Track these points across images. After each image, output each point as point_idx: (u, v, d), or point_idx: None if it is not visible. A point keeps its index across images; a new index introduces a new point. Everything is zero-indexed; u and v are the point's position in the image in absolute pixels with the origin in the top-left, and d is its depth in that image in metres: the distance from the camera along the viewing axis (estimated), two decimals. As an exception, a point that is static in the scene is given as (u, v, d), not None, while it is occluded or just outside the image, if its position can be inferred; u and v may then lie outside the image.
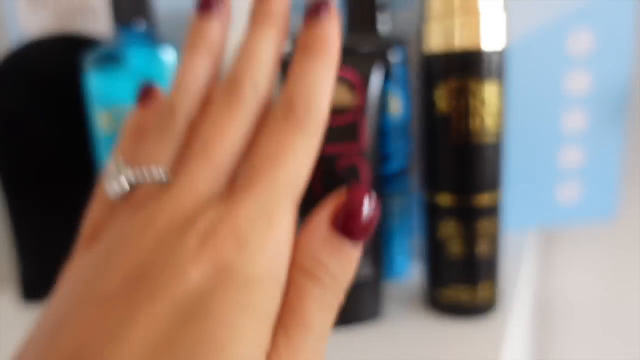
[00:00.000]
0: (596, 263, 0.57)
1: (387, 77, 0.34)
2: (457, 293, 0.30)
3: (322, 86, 0.18)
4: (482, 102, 0.27)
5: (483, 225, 0.29)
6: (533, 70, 0.44)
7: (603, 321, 0.57)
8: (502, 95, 0.28)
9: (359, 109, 0.27)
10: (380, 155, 0.35)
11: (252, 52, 0.18)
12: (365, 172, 0.28)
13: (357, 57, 0.28)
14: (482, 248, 0.29)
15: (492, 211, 0.29)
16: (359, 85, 0.27)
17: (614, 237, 0.55)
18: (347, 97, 0.27)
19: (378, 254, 0.30)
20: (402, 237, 0.37)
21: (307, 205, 0.28)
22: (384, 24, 0.34)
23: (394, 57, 0.34)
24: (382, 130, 0.34)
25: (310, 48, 0.18)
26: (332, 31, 0.18)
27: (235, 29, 0.34)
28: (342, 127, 0.27)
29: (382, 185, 0.35)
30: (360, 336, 0.29)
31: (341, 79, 0.27)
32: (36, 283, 0.37)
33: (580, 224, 0.48)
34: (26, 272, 0.37)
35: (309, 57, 0.18)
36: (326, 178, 0.28)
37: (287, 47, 0.22)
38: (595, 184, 0.47)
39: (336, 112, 0.27)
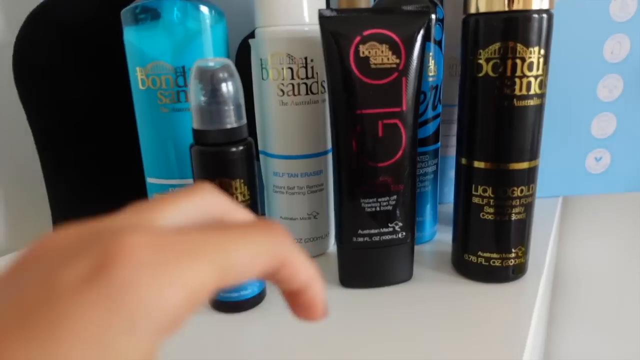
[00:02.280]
0: (614, 230, 0.57)
1: (428, 38, 0.33)
2: (490, 258, 0.30)
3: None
4: (529, 65, 0.26)
5: (519, 191, 0.29)
6: (576, 34, 0.42)
7: (618, 286, 0.58)
8: (548, 59, 0.27)
9: (401, 70, 0.27)
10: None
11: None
12: (404, 132, 0.28)
13: (402, 17, 0.27)
14: (517, 214, 0.29)
15: (529, 177, 0.29)
16: (402, 46, 0.27)
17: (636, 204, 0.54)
18: (389, 57, 0.27)
19: (412, 220, 0.30)
20: (431, 201, 0.37)
21: (346, 160, 0.28)
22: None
23: (433, 17, 0.33)
24: (423, 92, 0.34)
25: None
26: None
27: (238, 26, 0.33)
28: (384, 86, 0.27)
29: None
30: (396, 297, 0.30)
31: (385, 38, 0.27)
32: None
33: (609, 192, 0.47)
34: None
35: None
36: (366, 137, 0.28)
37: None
38: (627, 153, 0.46)
39: (379, 71, 0.27)
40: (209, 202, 0.14)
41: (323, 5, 0.33)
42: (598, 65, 0.43)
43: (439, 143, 0.37)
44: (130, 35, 0.31)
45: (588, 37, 0.42)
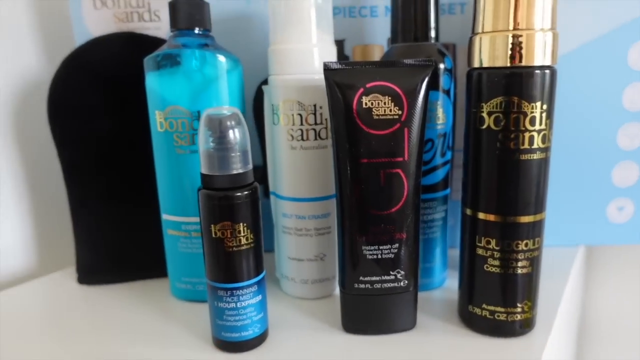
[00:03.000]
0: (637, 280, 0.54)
1: (435, 87, 0.33)
2: (494, 312, 0.30)
3: None
4: (531, 120, 0.27)
5: (524, 244, 0.28)
6: (593, 82, 0.42)
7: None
8: (551, 113, 0.27)
9: (403, 121, 0.28)
10: (423, 165, 0.34)
11: None
12: (406, 182, 0.28)
13: (404, 70, 0.28)
14: (522, 268, 0.29)
15: (534, 230, 0.28)
16: (404, 98, 0.28)
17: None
18: (392, 109, 0.28)
19: (415, 268, 0.30)
20: (440, 247, 0.37)
21: (348, 207, 0.28)
22: (434, 33, 0.34)
23: (441, 68, 0.33)
24: (428, 140, 0.34)
25: None
26: None
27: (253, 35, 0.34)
28: (386, 137, 0.28)
29: (423, 194, 0.35)
30: (397, 346, 0.30)
31: (388, 90, 0.27)
32: (91, 269, 0.40)
33: (632, 244, 0.46)
34: (82, 257, 0.40)
35: None
36: (368, 185, 0.28)
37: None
38: (651, 203, 0.44)
39: (381, 122, 0.28)
40: None
41: (334, 56, 0.34)
42: (617, 113, 0.42)
43: (449, 189, 0.37)
44: (151, 81, 0.33)
45: (605, 86, 0.42)
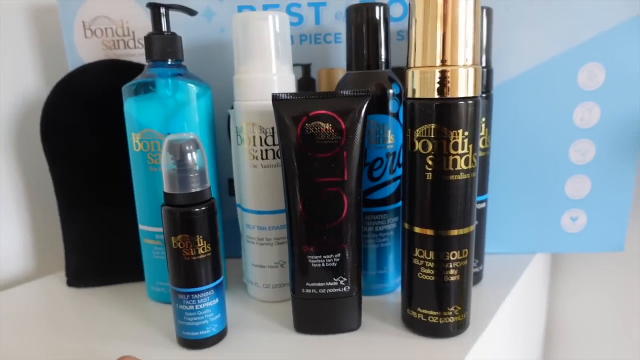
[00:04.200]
0: (603, 287, 0.57)
1: (384, 111, 0.37)
2: (428, 315, 0.33)
3: None
4: (454, 145, 0.30)
5: (451, 255, 0.32)
6: (546, 101, 0.45)
7: (606, 341, 0.57)
8: (474, 138, 0.31)
9: (343, 145, 0.31)
10: (374, 181, 0.38)
11: None
12: (346, 198, 0.32)
13: (343, 100, 0.32)
14: (452, 276, 0.32)
15: (461, 242, 0.32)
16: (343, 125, 0.31)
17: (622, 262, 0.54)
18: (332, 135, 0.31)
19: (358, 275, 0.34)
20: (393, 254, 0.40)
21: (295, 221, 0.32)
22: (384, 61, 0.38)
23: (389, 93, 0.37)
24: (377, 159, 0.38)
25: None
26: None
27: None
28: (327, 159, 0.31)
29: (375, 207, 0.38)
30: (342, 344, 0.33)
31: (328, 118, 0.31)
32: (78, 273, 0.44)
33: (586, 252, 0.48)
34: (70, 262, 0.44)
35: None
36: (311, 201, 0.32)
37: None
38: (603, 214, 0.47)
39: (323, 146, 0.31)
40: None
41: (292, 83, 0.38)
42: (569, 130, 0.45)
43: (401, 202, 0.40)
44: (129, 106, 0.37)
45: (558, 104, 0.45)
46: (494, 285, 0.42)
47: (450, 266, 0.32)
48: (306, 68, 0.45)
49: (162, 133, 0.37)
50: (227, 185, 0.47)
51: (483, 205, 0.41)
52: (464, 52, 0.30)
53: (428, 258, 0.32)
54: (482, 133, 0.39)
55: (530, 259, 0.47)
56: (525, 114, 0.45)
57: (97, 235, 0.43)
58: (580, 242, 0.48)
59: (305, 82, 0.45)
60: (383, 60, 0.38)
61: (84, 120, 0.42)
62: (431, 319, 0.33)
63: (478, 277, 0.43)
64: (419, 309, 0.33)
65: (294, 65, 0.43)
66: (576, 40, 0.43)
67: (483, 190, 0.41)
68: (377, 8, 0.36)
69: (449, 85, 0.30)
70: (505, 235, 0.48)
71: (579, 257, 0.58)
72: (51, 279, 0.46)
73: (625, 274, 0.56)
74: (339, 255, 0.33)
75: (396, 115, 0.38)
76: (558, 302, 0.60)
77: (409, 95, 0.32)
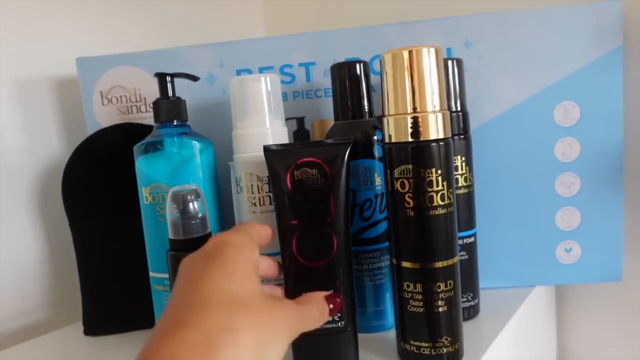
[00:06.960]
0: (611, 319, 0.56)
1: (370, 156, 0.40)
2: (420, 347, 0.34)
3: None
4: (428, 183, 0.33)
5: (437, 287, 0.33)
6: (527, 137, 0.48)
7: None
8: (448, 176, 0.33)
9: (329, 188, 0.34)
10: (365, 221, 0.41)
11: None
12: (335, 238, 0.34)
13: (328, 147, 0.35)
14: (440, 307, 0.34)
15: (445, 274, 0.34)
16: (328, 170, 0.34)
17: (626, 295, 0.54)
18: (319, 179, 0.34)
19: (352, 311, 0.35)
20: (390, 291, 0.42)
21: (288, 260, 0.34)
22: (367, 111, 0.41)
23: (374, 140, 0.40)
24: (367, 200, 0.41)
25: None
26: None
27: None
28: (315, 201, 0.34)
29: (368, 245, 0.41)
30: (335, 378, 0.35)
31: (314, 165, 0.34)
32: (94, 323, 0.46)
33: (584, 282, 0.49)
34: (87, 311, 0.47)
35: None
36: (302, 241, 0.34)
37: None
38: (596, 245, 0.48)
39: (311, 190, 0.34)
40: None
41: (285, 135, 0.42)
42: (552, 165, 0.48)
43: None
44: (139, 163, 0.41)
45: (538, 141, 0.48)
46: (490, 318, 0.43)
47: (438, 297, 0.34)
48: (300, 121, 0.49)
49: (169, 186, 0.40)
50: (232, 232, 0.50)
51: (472, 239, 0.43)
52: (432, 99, 0.33)
53: (416, 290, 0.34)
54: (463, 171, 0.42)
55: (529, 292, 0.48)
56: (508, 152, 0.48)
57: (112, 285, 0.46)
58: (578, 273, 0.49)
59: (300, 133, 0.49)
60: (366, 110, 0.41)
61: (100, 178, 0.46)
62: (424, 350, 0.34)
63: (475, 310, 0.44)
64: (411, 342, 0.35)
65: (289, 118, 0.47)
66: (548, 81, 0.47)
67: (470, 225, 0.43)
68: (357, 65, 0.41)
69: (420, 129, 0.33)
70: (502, 270, 0.50)
71: (582, 289, 0.58)
72: (70, 329, 0.49)
73: (631, 302, 0.56)
74: (331, 292, 0.35)
75: (381, 159, 0.41)
76: (567, 335, 0.60)
77: (386, 140, 0.35)
